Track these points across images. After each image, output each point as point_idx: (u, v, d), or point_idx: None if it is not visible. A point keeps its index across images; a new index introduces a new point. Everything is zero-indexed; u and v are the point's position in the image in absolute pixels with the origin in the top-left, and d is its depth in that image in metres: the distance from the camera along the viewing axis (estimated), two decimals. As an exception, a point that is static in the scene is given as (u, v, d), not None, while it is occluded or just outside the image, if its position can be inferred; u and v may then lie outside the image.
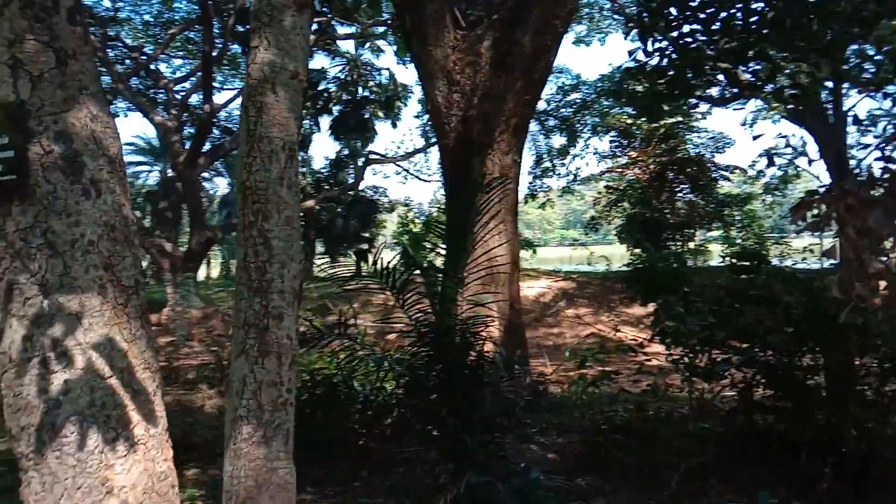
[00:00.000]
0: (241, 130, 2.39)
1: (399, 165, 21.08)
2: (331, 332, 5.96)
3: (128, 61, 17.37)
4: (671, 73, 5.31)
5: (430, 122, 8.67)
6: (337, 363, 6.50)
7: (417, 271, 5.86)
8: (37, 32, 1.48)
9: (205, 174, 23.68)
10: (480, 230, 7.12)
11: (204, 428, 7.89)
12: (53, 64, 1.51)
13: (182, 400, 9.90)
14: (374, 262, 5.81)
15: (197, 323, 14.62)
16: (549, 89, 18.72)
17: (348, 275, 6.00)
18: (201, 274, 23.66)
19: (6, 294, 1.48)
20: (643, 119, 14.64)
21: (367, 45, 20.01)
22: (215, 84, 19.99)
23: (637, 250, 14.50)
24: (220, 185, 26.06)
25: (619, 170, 17.49)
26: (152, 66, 17.65)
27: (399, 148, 21.91)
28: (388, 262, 6.01)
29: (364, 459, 6.46)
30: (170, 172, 20.48)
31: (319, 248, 21.08)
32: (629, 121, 16.06)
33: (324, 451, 6.44)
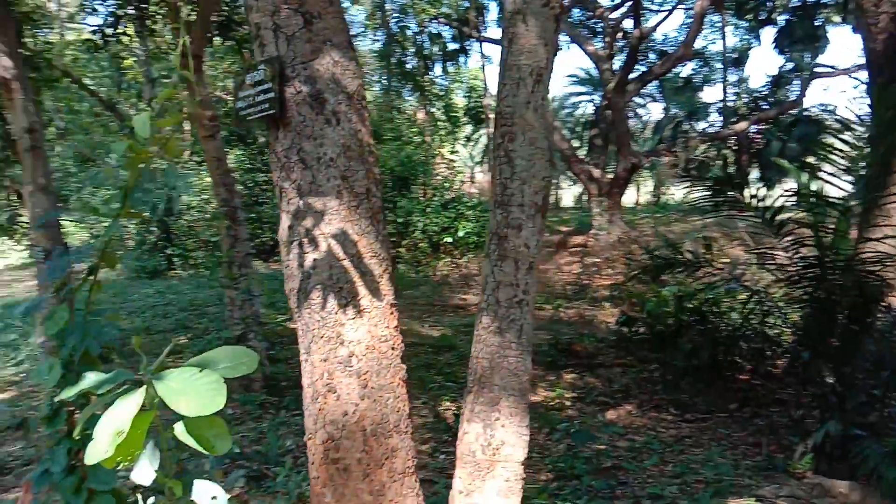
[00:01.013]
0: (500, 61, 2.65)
1: (855, 78, 17.90)
2: (697, 261, 5.82)
3: (566, -4, 18.40)
4: None
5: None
6: (706, 293, 6.32)
7: (795, 199, 5.26)
8: (289, 2, 2.02)
9: (638, 100, 23.99)
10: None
11: (592, 340, 8.55)
12: (302, 25, 2.04)
13: (585, 314, 10.78)
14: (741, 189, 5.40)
15: (615, 246, 15.26)
16: None
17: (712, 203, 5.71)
18: (629, 199, 24.37)
19: (279, 195, 2.12)
20: None
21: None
22: (650, 7, 19.81)
23: None
24: (654, 111, 26.07)
25: None
26: (590, -3, 18.26)
27: (860, 57, 18.56)
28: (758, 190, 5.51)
29: (735, 393, 6.23)
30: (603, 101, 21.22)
31: (755, 174, 19.58)
32: None
33: (692, 379, 6.42)
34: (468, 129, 28.78)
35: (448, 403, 6.31)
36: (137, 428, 1.29)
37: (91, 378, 1.46)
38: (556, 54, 2.64)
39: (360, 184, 2.10)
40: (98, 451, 1.25)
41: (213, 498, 1.45)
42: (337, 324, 2.08)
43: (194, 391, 1.34)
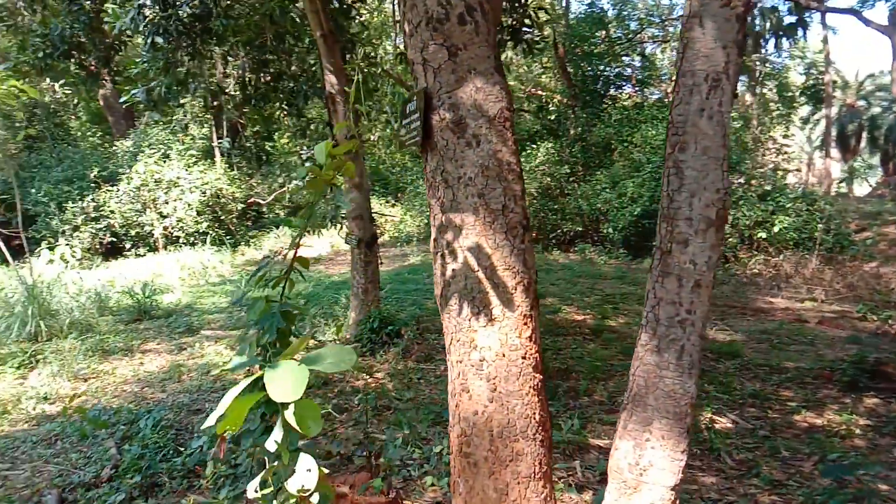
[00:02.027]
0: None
1: None
2: None
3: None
4: None
5: None
6: None
7: None
8: (434, 38, 2.24)
9: None
10: None
11: (911, 361, 7.15)
12: (447, 57, 2.24)
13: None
14: None
15: None
16: None
17: None
18: None
19: (430, 211, 2.37)
20: None
21: None
22: None
23: None
24: None
25: None
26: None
27: None
28: None
29: None
30: None
31: None
32: None
33: None
34: (805, 109, 25.49)
35: (710, 415, 5.95)
36: (239, 407, 1.67)
37: (234, 361, 1.90)
38: (741, 55, 2.42)
39: (497, 201, 2.24)
40: (210, 420, 1.66)
41: (308, 470, 1.77)
42: (470, 330, 2.26)
43: (282, 381, 1.67)
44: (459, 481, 2.35)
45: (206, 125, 19.74)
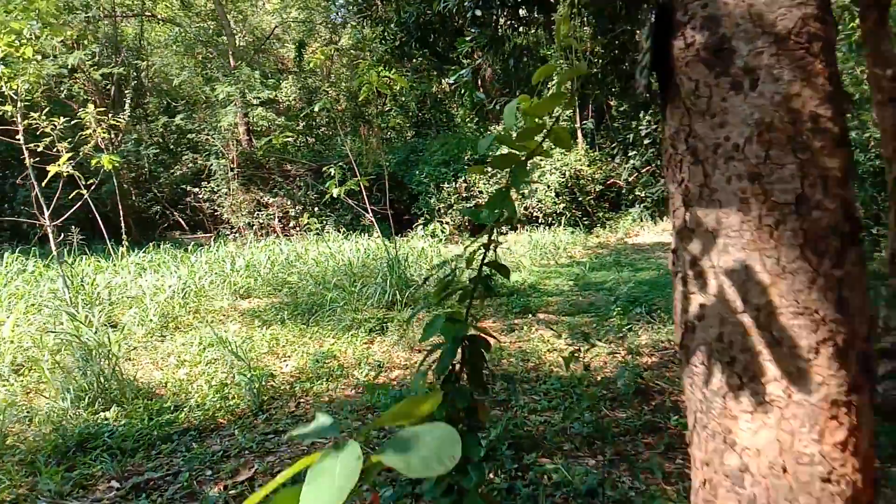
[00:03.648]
0: None
1: None
2: None
3: None
4: None
5: None
6: None
7: None
8: None
9: None
10: None
11: None
12: (700, -63, 1.28)
13: None
14: None
15: None
16: None
17: None
18: None
19: (666, 203, 1.44)
20: None
21: None
22: None
23: None
24: None
25: None
26: None
27: None
28: None
29: None
30: None
31: None
32: None
33: None
34: None
35: None
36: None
37: (317, 420, 1.31)
38: None
39: (786, 187, 1.22)
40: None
41: None
42: (725, 414, 1.29)
43: (326, 480, 1.02)
44: None
45: (570, 106, 19.68)
